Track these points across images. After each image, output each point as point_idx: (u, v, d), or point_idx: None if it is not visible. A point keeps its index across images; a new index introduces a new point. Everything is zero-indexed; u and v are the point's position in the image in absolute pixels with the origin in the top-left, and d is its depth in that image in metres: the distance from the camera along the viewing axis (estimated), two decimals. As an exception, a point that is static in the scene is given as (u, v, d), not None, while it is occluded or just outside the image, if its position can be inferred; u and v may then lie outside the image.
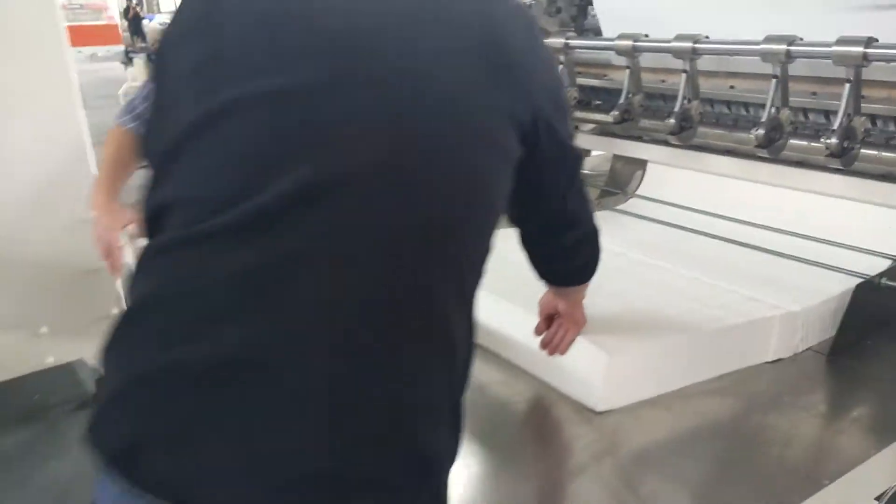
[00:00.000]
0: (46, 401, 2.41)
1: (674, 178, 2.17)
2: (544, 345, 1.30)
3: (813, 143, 1.64)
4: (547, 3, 2.29)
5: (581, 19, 2.32)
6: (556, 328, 1.29)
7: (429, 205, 0.76)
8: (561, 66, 2.07)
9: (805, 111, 1.73)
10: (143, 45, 8.96)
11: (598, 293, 1.27)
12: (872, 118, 1.60)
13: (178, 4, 0.92)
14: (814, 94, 1.70)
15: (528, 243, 1.10)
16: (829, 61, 1.48)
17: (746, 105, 1.87)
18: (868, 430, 1.28)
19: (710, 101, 1.91)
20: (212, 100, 0.75)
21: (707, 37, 1.73)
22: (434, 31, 0.80)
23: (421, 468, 0.77)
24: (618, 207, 2.21)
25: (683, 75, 1.79)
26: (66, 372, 2.39)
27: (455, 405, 0.82)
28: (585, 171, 1.11)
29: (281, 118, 0.74)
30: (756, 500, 1.06)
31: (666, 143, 1.98)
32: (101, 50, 8.16)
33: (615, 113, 1.94)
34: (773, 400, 1.32)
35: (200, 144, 0.75)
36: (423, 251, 0.76)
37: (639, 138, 2.17)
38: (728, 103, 1.91)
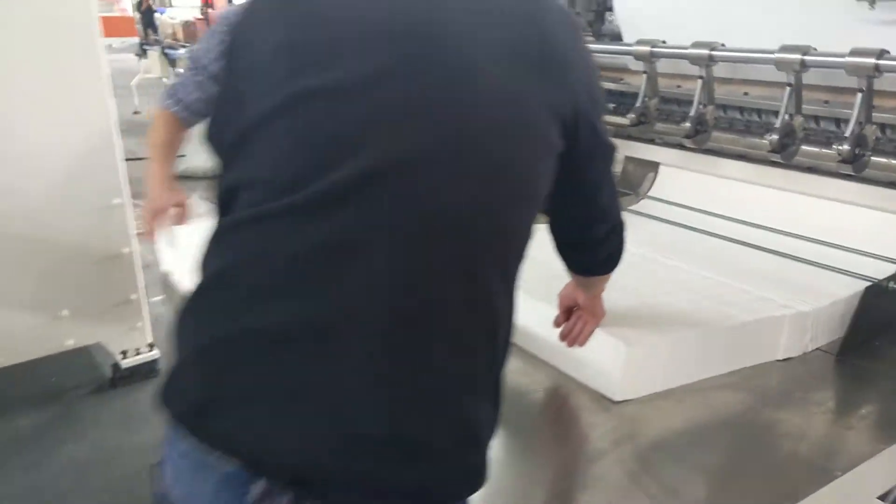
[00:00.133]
0: (63, 383, 2.46)
1: (684, 180, 2.20)
2: (564, 336, 1.34)
3: (825, 150, 1.69)
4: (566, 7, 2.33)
5: (598, 24, 2.36)
6: (576, 320, 1.33)
7: (479, 190, 0.80)
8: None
9: (817, 118, 1.78)
10: (155, 37, 8.97)
11: (614, 288, 1.30)
12: (882, 127, 1.64)
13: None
14: (826, 102, 1.75)
15: (560, 233, 1.12)
16: (842, 71, 1.54)
17: (759, 111, 1.91)
18: (875, 428, 1.31)
19: (724, 107, 1.96)
20: (282, 91, 0.80)
21: (723, 44, 1.78)
22: (486, 25, 0.84)
23: (466, 436, 0.81)
24: (630, 208, 2.24)
25: (699, 81, 1.84)
26: (83, 355, 2.42)
27: (496, 380, 0.86)
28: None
29: (346, 107, 0.79)
30: (768, 490, 1.10)
31: (680, 147, 2.01)
32: (115, 41, 8.16)
33: (631, 116, 1.99)
34: (784, 396, 1.36)
35: (272, 130, 0.80)
36: (471, 233, 0.80)
37: (651, 141, 2.21)
38: (741, 109, 1.96)
